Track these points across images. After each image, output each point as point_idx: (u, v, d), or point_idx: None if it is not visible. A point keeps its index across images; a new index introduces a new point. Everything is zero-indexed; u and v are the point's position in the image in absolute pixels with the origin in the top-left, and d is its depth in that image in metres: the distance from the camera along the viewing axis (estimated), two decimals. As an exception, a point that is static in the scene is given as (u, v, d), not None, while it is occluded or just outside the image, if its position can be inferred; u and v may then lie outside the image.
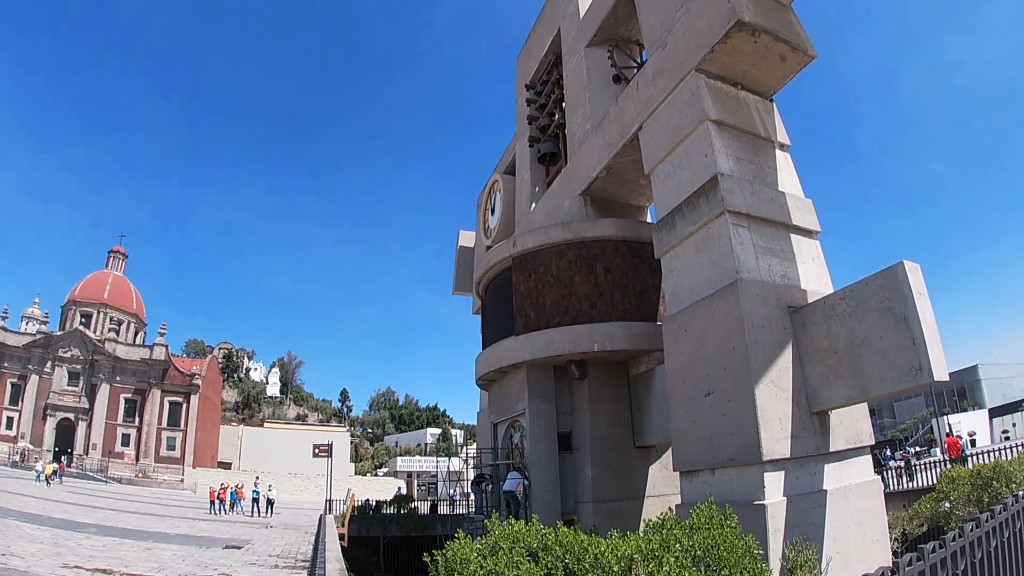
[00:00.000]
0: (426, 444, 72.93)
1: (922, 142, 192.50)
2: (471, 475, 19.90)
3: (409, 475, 49.69)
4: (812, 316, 10.81)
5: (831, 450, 10.68)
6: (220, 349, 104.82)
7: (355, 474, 48.83)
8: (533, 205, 19.97)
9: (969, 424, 34.60)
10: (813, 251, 12.38)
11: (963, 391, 51.03)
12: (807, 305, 11.08)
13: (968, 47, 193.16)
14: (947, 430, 30.94)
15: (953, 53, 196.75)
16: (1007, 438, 32.90)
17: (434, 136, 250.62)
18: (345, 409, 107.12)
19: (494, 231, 22.65)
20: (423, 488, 47.86)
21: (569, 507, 14.79)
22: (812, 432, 10.52)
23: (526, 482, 14.59)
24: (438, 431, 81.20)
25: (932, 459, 24.82)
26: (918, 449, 32.86)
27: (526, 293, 15.91)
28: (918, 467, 21.40)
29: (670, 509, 9.65)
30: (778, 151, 13.04)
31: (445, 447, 69.36)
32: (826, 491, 10.26)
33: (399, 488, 44.52)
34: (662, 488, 15.14)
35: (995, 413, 41.26)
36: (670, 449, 15.46)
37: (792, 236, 12.17)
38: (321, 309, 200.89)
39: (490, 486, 16.98)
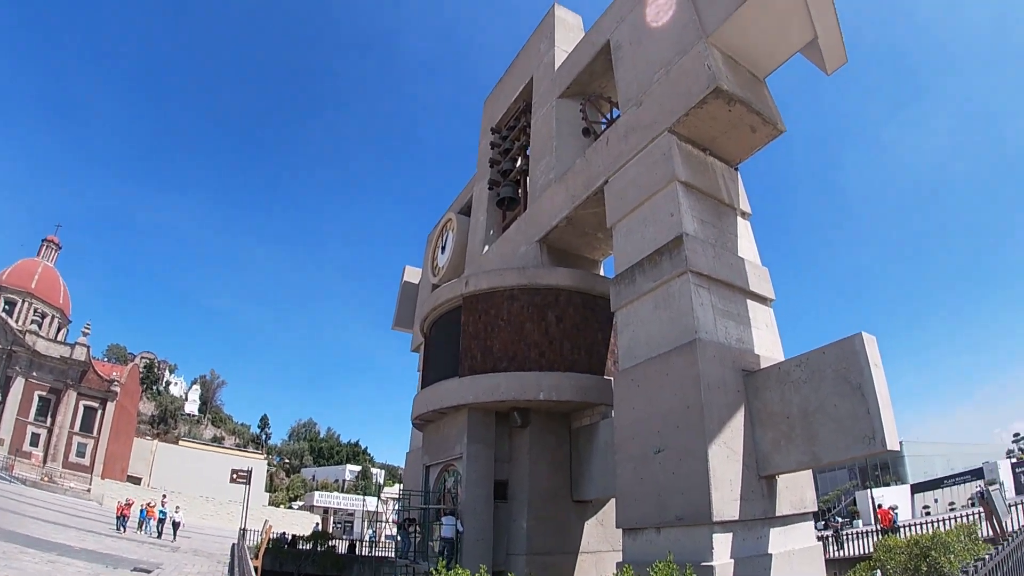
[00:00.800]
0: (344, 481, 70.05)
1: (858, 224, 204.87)
2: (393, 516, 18.63)
3: (326, 511, 46.83)
4: (766, 381, 10.69)
5: (777, 515, 10.54)
6: (142, 358, 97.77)
7: (269, 504, 45.58)
8: (486, 248, 19.55)
9: (892, 498, 35.74)
10: (767, 318, 12.40)
11: (886, 466, 53.12)
12: (761, 370, 10.98)
13: (907, 139, 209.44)
14: (874, 503, 31.81)
15: (892, 144, 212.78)
16: (928, 513, 34.00)
17: (385, 171, 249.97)
18: (264, 436, 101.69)
19: (443, 269, 22.05)
20: (339, 525, 45.33)
21: (501, 558, 13.96)
22: (760, 496, 10.28)
23: (461, 528, 13.62)
24: (358, 468, 78.53)
25: (857, 530, 25.20)
26: (841, 520, 33.48)
27: (474, 334, 15.27)
28: (848, 536, 21.58)
29: (625, 568, 9.08)
30: (739, 218, 13.21)
31: (364, 486, 67.26)
32: (771, 555, 10.08)
33: (316, 523, 41.89)
34: (597, 545, 14.53)
35: (917, 489, 43.02)
36: (607, 505, 15.03)
37: (748, 301, 12.21)
38: (250, 330, 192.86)
39: (418, 530, 15.84)
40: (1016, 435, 57.76)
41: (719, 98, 11.88)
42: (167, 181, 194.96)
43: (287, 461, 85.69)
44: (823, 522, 31.85)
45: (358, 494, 53.76)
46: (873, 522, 27.95)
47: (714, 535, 9.45)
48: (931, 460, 51.42)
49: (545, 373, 14.24)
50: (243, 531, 23.32)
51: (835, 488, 52.41)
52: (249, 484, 25.94)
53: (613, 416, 12.27)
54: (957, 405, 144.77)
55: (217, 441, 79.52)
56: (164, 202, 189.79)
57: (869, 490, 38.24)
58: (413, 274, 27.31)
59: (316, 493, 47.87)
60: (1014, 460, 41.22)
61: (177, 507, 29.12)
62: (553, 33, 18.49)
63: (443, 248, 22.77)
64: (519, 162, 19.50)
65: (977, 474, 38.23)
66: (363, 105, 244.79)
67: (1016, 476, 36.99)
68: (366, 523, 44.04)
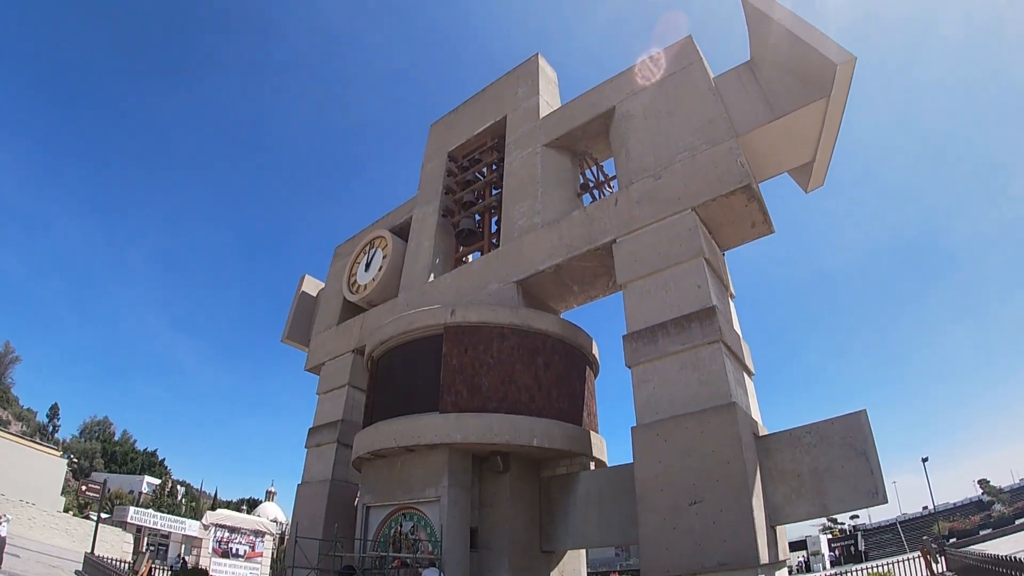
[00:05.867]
0: (141, 493, 62.12)
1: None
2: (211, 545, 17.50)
3: (139, 529, 39.61)
4: (777, 444, 13.50)
5: (779, 559, 13.16)
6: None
7: (64, 511, 36.37)
8: (432, 275, 20.03)
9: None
10: (752, 389, 15.39)
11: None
12: (773, 434, 13.81)
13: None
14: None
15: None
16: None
17: (224, 163, 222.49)
18: (52, 428, 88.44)
19: (365, 288, 21.73)
20: (152, 548, 39.21)
21: (476, 613, 14.45)
22: (772, 543, 12.93)
23: None
24: (157, 481, 72.25)
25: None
26: None
27: (459, 368, 15.83)
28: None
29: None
30: (730, 299, 16.15)
31: (169, 503, 61.61)
32: (782, 596, 12.62)
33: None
34: (560, 596, 15.80)
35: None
36: (566, 556, 16.53)
37: (744, 373, 15.03)
38: (47, 305, 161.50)
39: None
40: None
41: (744, 193, 14.92)
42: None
43: (76, 461, 72.03)
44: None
45: (161, 511, 47.36)
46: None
47: (759, 577, 11.84)
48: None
49: (537, 419, 15.38)
50: (94, 557, 18.72)
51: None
52: (102, 498, 21.15)
53: (634, 468, 13.87)
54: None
55: (2, 425, 63.74)
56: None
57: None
58: (312, 285, 25.93)
59: (131, 508, 39.81)
60: (829, 536, 51.96)
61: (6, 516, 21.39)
62: (536, 81, 20.34)
63: (367, 265, 22.35)
64: (484, 197, 20.61)
65: (799, 546, 47.44)
66: (224, 89, 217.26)
67: (832, 549, 47.26)
68: (183, 549, 39.17)
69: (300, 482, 20.68)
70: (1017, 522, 36.63)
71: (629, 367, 14.92)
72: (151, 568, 17.47)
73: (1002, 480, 56.74)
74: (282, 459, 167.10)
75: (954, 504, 55.41)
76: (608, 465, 17.06)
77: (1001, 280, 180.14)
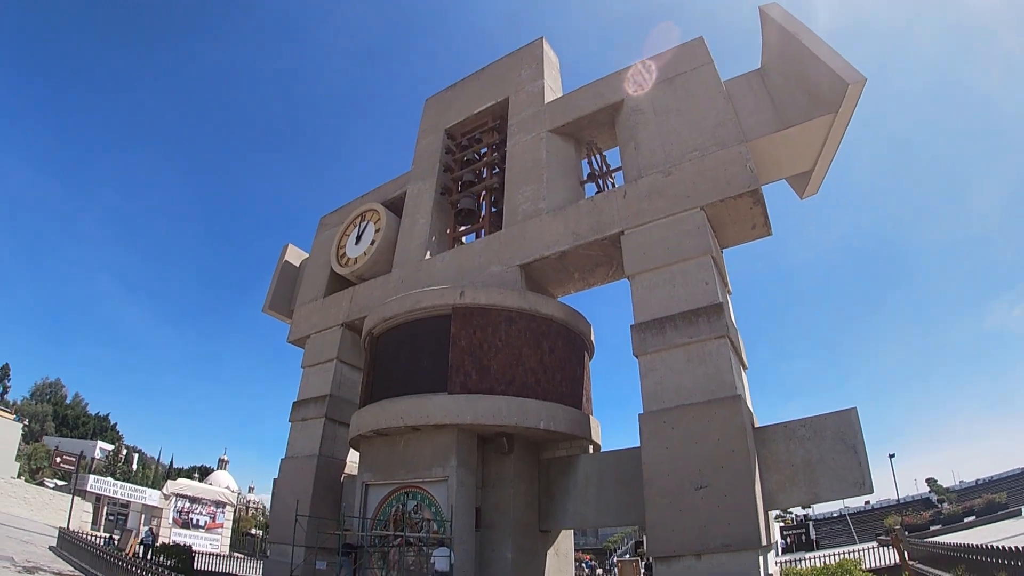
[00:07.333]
0: (93, 459, 60.32)
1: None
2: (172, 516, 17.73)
3: (98, 498, 38.04)
4: (773, 435, 14.81)
5: (772, 542, 14.58)
6: None
7: (17, 476, 34.20)
8: (428, 253, 20.33)
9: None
10: (747, 382, 16.67)
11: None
12: (769, 426, 15.11)
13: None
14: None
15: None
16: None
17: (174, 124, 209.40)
18: (2, 388, 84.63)
19: (355, 261, 21.76)
20: (111, 518, 38.02)
21: (477, 591, 15.21)
22: (767, 526, 14.25)
23: (453, 560, 14.46)
24: (111, 447, 71.65)
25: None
26: (628, 557, 40.60)
27: (468, 350, 16.37)
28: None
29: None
30: (728, 295, 17.33)
31: (124, 470, 60.77)
32: (772, 574, 14.01)
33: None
34: (556, 574, 16.79)
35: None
36: (560, 535, 17.53)
37: (741, 367, 16.27)
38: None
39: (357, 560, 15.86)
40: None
41: (751, 197, 16.01)
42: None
43: (26, 424, 68.85)
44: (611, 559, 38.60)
45: (116, 478, 46.01)
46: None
47: (760, 557, 13.12)
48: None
49: (544, 402, 16.14)
50: (67, 532, 18.03)
51: (619, 532, 60.16)
52: (77, 471, 20.30)
53: (642, 453, 14.83)
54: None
55: (-51, 384, 61.86)
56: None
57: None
58: (295, 255, 25.50)
59: (91, 476, 37.76)
60: (782, 524, 54.63)
61: None
62: (541, 65, 20.73)
63: (358, 238, 22.28)
64: (485, 177, 20.91)
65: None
66: (200, 52, 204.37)
67: (784, 537, 50.10)
68: (143, 519, 38.54)
69: (284, 456, 20.78)
70: (966, 520, 40.30)
71: (636, 356, 15.84)
72: (136, 544, 17.11)
73: (944, 480, 61.56)
74: (234, 427, 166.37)
75: (896, 500, 59.41)
76: (602, 448, 18.10)
77: (952, 295, 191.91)
